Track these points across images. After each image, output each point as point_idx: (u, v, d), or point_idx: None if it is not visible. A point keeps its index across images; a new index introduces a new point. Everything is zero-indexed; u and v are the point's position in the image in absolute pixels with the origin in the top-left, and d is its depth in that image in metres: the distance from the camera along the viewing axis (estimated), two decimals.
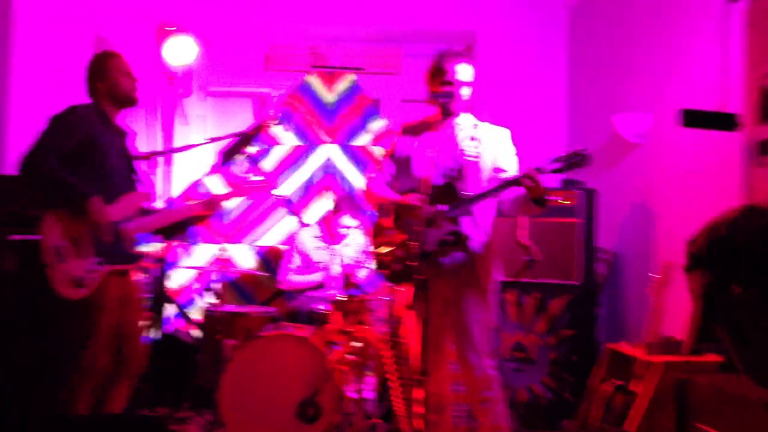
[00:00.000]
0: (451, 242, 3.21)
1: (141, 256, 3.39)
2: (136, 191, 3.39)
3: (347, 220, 5.10)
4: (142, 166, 3.57)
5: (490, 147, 3.33)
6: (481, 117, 3.55)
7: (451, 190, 3.22)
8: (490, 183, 3.26)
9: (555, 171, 3.05)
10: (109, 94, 3.38)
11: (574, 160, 3.03)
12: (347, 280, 4.05)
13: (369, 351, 3.88)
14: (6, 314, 3.88)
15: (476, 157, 3.30)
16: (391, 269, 3.38)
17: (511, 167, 3.35)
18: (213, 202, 3.55)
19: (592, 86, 5.38)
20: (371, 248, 3.52)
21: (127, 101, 3.42)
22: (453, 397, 3.45)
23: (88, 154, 3.21)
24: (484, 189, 3.19)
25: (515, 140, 3.50)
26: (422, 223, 2.95)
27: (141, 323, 3.49)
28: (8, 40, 4.54)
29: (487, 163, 3.32)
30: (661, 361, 3.20)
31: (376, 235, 3.50)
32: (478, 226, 3.30)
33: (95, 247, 3.16)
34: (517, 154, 3.48)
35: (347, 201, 5.21)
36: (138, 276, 3.52)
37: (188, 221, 3.58)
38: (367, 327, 3.96)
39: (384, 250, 3.42)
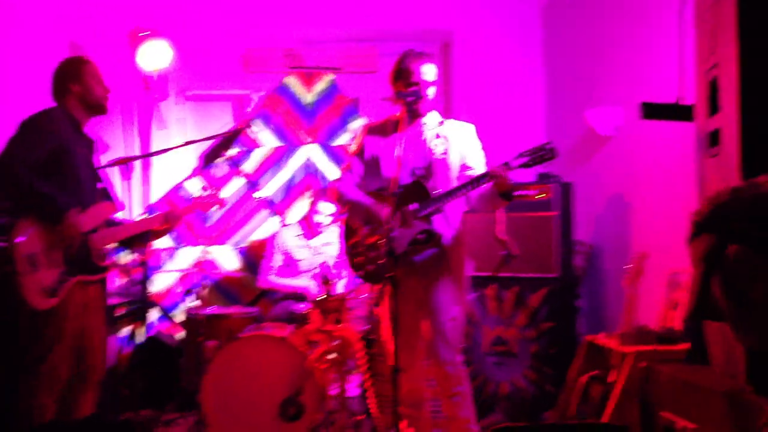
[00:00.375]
0: (423, 241, 3.25)
1: (107, 267, 3.38)
2: (104, 202, 3.39)
3: (323, 206, 5.13)
4: (108, 174, 3.60)
5: (457, 144, 3.39)
6: (458, 115, 3.60)
7: (421, 189, 3.27)
8: (458, 180, 3.30)
9: (522, 166, 3.10)
10: (82, 99, 3.34)
11: (540, 154, 3.08)
12: (325, 279, 4.06)
13: (349, 349, 3.91)
14: None
15: (444, 154, 3.35)
16: (365, 270, 3.43)
17: (478, 163, 3.41)
18: (173, 216, 3.55)
19: (567, 82, 5.42)
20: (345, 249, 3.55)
21: (98, 109, 3.41)
22: (429, 392, 3.48)
23: (59, 162, 3.17)
24: (454, 187, 3.23)
25: (493, 137, 3.56)
26: (390, 224, 2.99)
27: (104, 331, 3.46)
28: None
29: (454, 161, 3.37)
30: (633, 351, 3.24)
31: (348, 235, 3.54)
32: (449, 223, 3.35)
33: (64, 257, 3.16)
34: (494, 151, 3.53)
35: (323, 193, 5.25)
36: (111, 282, 3.54)
37: (149, 234, 3.57)
38: (345, 325, 3.98)
39: (355, 252, 3.46)
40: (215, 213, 5.72)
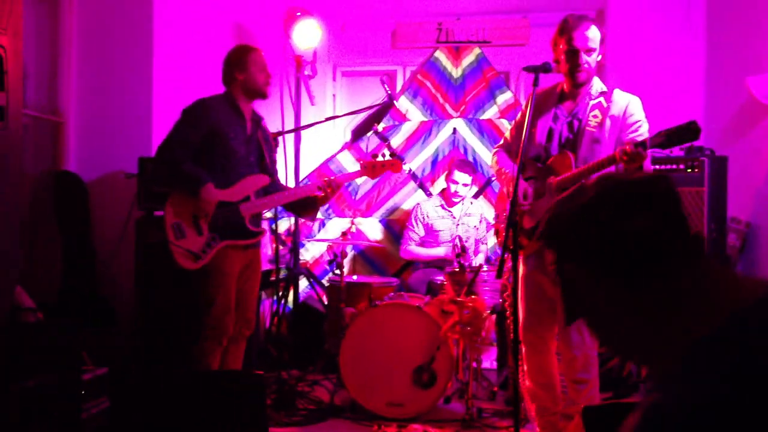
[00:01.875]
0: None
1: (259, 232, 3.70)
2: (256, 174, 3.71)
3: (460, 176, 5.16)
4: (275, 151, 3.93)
5: (617, 115, 3.20)
6: (612, 82, 3.43)
7: (567, 160, 3.15)
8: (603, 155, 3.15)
9: (657, 146, 2.91)
10: (244, 87, 3.71)
11: (679, 134, 2.85)
12: (461, 251, 4.11)
13: (479, 321, 3.94)
14: (153, 282, 4.36)
15: (597, 127, 3.19)
16: (501, 236, 3.42)
17: (637, 136, 3.16)
18: (333, 183, 3.76)
19: (729, 47, 5.06)
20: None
21: (259, 95, 3.75)
22: (558, 377, 3.41)
23: (213, 143, 3.60)
24: (594, 163, 3.05)
25: (648, 105, 3.34)
26: (513, 194, 2.94)
27: (257, 290, 3.84)
28: (151, 30, 4.97)
29: (609, 133, 3.20)
30: None
31: (499, 203, 3.56)
32: None
33: (211, 225, 3.57)
34: (651, 118, 3.31)
35: (461, 161, 5.28)
36: (265, 249, 3.84)
37: (313, 201, 3.82)
38: (476, 297, 4.02)
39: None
40: (363, 186, 5.92)
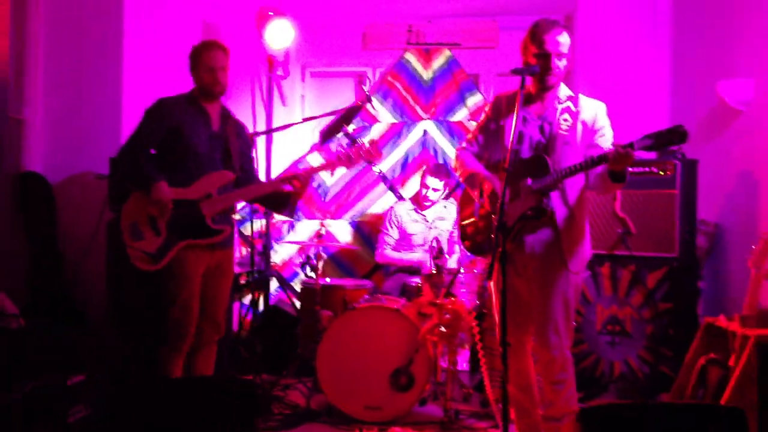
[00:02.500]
0: (531, 217, 3.16)
1: (220, 230, 3.59)
2: (219, 171, 3.62)
3: (431, 181, 5.18)
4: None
5: (585, 121, 3.24)
6: (580, 87, 3.47)
7: (542, 164, 3.17)
8: (580, 158, 3.18)
9: (645, 148, 2.94)
10: (197, 86, 3.67)
11: (668, 137, 2.88)
12: (438, 253, 4.11)
13: (459, 323, 3.94)
14: (125, 284, 4.25)
15: (569, 130, 3.22)
16: (472, 240, 3.42)
17: (604, 143, 3.23)
18: (300, 176, 3.68)
19: (697, 52, 5.16)
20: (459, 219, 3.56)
21: (208, 95, 3.66)
22: (534, 374, 3.42)
23: (174, 142, 3.55)
24: (572, 165, 3.08)
25: (615, 110, 3.39)
26: (501, 197, 2.91)
27: (227, 292, 3.76)
28: (122, 27, 4.88)
29: (580, 138, 3.23)
30: (753, 335, 3.11)
31: (463, 205, 3.54)
32: (565, 202, 3.24)
33: (169, 225, 3.49)
34: (617, 124, 3.37)
35: (435, 166, 5.28)
36: (238, 250, 3.75)
37: (286, 196, 3.74)
38: (456, 299, 4.02)
39: (467, 221, 3.46)
40: (332, 187, 5.89)
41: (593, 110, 3.28)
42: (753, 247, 3.54)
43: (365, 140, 3.78)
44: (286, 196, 3.74)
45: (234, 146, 3.71)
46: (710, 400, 3.42)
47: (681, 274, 4.28)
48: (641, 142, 2.92)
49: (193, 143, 3.57)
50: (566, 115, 3.24)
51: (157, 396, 2.49)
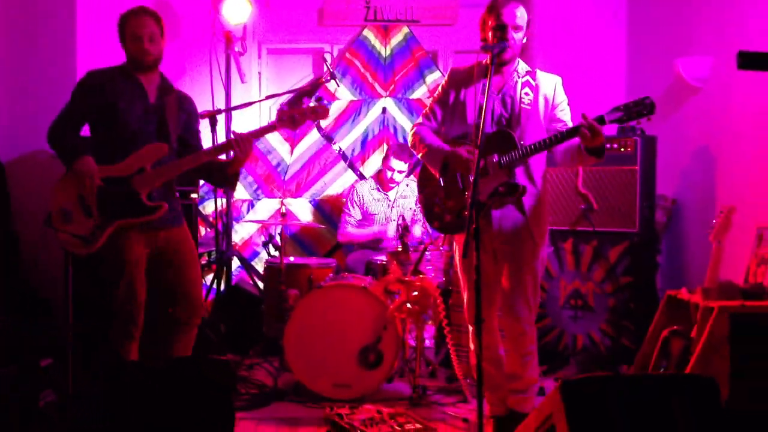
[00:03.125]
0: (504, 193, 3.18)
1: (157, 207, 3.33)
2: (152, 144, 3.36)
3: (396, 164, 5.17)
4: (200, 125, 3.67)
5: (545, 95, 3.29)
6: (537, 63, 3.50)
7: (507, 139, 3.19)
8: (547, 133, 3.22)
9: (615, 121, 2.99)
10: (127, 57, 3.43)
11: (637, 109, 2.94)
12: (404, 231, 4.11)
13: (427, 300, 3.96)
14: (87, 269, 4.09)
15: (531, 104, 3.26)
16: (440, 220, 3.42)
17: (566, 116, 3.32)
18: (239, 140, 3.36)
19: (654, 29, 5.23)
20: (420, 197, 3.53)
21: (139, 66, 3.39)
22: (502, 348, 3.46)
23: (105, 116, 3.33)
24: (541, 140, 3.12)
25: (572, 84, 3.44)
26: (475, 173, 2.91)
27: (192, 273, 3.53)
28: (74, 2, 4.69)
29: (542, 112, 3.29)
30: (717, 306, 3.19)
31: (423, 184, 3.52)
32: (531, 178, 3.27)
33: (100, 204, 3.28)
34: (575, 100, 3.43)
35: (399, 147, 5.26)
36: (196, 231, 3.56)
37: (223, 166, 3.50)
38: (423, 276, 4.03)
39: (432, 200, 3.43)
40: (292, 165, 5.83)
41: (552, 84, 3.33)
42: (713, 221, 3.63)
43: (312, 103, 3.51)
44: (225, 166, 3.49)
45: (172, 118, 3.44)
46: (673, 370, 3.51)
47: (641, 249, 4.37)
48: (611, 114, 2.99)
49: (125, 117, 3.33)
50: (527, 89, 3.28)
51: (128, 380, 2.45)
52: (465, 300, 3.46)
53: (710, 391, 2.27)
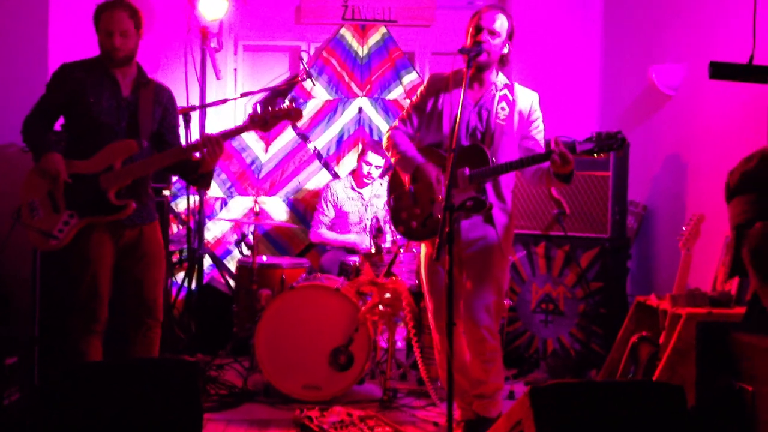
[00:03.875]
0: (471, 208, 3.20)
1: (124, 205, 3.26)
2: (121, 141, 3.28)
3: (373, 158, 5.15)
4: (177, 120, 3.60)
5: (521, 111, 3.30)
6: (511, 68, 3.50)
7: (480, 154, 3.19)
8: (519, 150, 3.25)
9: (586, 152, 3.00)
10: (100, 51, 3.35)
11: (608, 143, 2.97)
12: (377, 232, 4.11)
13: (399, 302, 3.95)
14: (55, 266, 4.02)
15: (506, 120, 3.26)
16: (406, 226, 3.42)
17: (539, 135, 3.34)
18: (210, 140, 3.28)
19: (628, 37, 5.28)
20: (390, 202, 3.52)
21: (111, 60, 3.32)
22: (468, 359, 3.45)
23: (77, 111, 3.27)
24: (513, 160, 3.14)
25: (547, 91, 3.45)
26: (448, 182, 2.90)
27: (156, 273, 3.46)
28: None
29: (516, 128, 3.29)
30: (684, 313, 3.23)
31: (393, 187, 3.51)
32: (500, 194, 3.29)
33: (68, 201, 3.23)
34: (548, 107, 3.44)
35: (376, 144, 5.25)
36: (167, 228, 3.50)
37: (196, 164, 3.40)
38: (396, 279, 4.03)
39: (399, 207, 3.43)
40: (267, 164, 5.79)
41: (528, 100, 3.34)
42: (683, 228, 3.67)
43: (285, 103, 3.43)
44: (197, 165, 3.39)
45: (146, 113, 3.36)
46: (641, 376, 3.55)
47: (612, 254, 4.41)
48: (583, 145, 3.02)
49: (96, 112, 3.26)
50: (504, 104, 3.28)
51: (94, 381, 2.40)
52: (429, 307, 3.46)
53: (677, 398, 2.30)
